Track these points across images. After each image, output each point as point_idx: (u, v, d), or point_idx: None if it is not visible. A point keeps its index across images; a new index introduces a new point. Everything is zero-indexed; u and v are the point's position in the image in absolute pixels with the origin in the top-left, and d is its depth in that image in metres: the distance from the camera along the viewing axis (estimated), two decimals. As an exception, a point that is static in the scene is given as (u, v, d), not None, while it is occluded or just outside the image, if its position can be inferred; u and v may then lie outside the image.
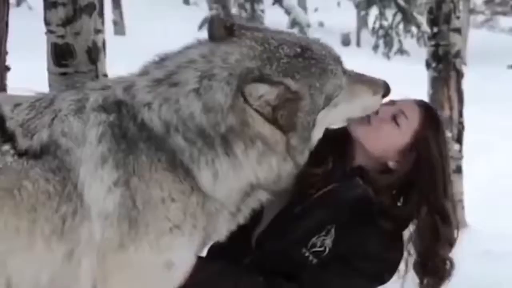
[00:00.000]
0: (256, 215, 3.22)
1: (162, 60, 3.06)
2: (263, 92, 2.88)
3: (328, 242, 3.32)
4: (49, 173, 2.83)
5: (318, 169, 3.32)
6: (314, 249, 3.34)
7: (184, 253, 2.97)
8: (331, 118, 3.14)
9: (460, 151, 8.98)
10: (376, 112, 3.31)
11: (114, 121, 2.90)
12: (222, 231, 3.10)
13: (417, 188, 3.36)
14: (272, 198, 3.14)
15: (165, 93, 2.93)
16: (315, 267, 3.32)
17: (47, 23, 4.99)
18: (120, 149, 2.86)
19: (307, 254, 3.34)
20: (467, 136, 9.15)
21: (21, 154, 2.84)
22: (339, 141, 3.35)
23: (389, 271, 3.39)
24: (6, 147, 2.84)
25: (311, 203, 3.38)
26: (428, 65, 9.11)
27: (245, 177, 2.97)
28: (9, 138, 2.86)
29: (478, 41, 33.13)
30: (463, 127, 9.01)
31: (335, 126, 3.21)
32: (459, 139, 8.97)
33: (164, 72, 2.99)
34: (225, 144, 2.90)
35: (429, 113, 3.46)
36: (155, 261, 2.90)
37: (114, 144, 2.86)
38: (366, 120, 3.33)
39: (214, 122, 2.89)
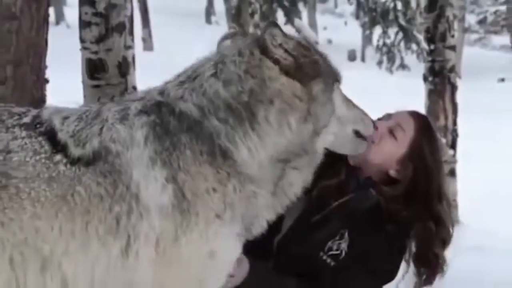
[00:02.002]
0: (276, 224, 3.19)
1: (182, 72, 3.08)
2: (281, 40, 2.93)
3: (344, 245, 3.34)
4: (100, 177, 2.79)
5: (332, 181, 3.33)
6: (330, 253, 3.35)
7: (225, 242, 2.93)
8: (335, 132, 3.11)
9: (454, 156, 8.99)
10: (376, 128, 3.25)
11: (155, 120, 2.89)
12: (263, 220, 3.06)
13: (416, 195, 3.36)
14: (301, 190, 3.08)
15: (191, 85, 2.96)
16: (333, 269, 3.34)
17: (82, 40, 5.03)
18: (165, 148, 2.84)
19: (324, 257, 3.35)
20: (461, 143, 9.15)
21: (74, 162, 2.80)
22: (342, 156, 3.32)
23: (397, 268, 3.41)
24: (59, 157, 2.80)
25: (329, 212, 3.39)
26: (425, 79, 9.12)
27: (271, 143, 2.93)
28: (62, 148, 2.82)
29: (471, 57, 33.04)
30: (457, 135, 9.02)
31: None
32: (453, 146, 8.98)
33: (185, 76, 3.02)
34: (250, 114, 2.91)
35: (422, 122, 3.47)
36: (201, 252, 2.87)
37: (158, 144, 2.84)
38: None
39: (236, 92, 2.91)
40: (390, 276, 3.41)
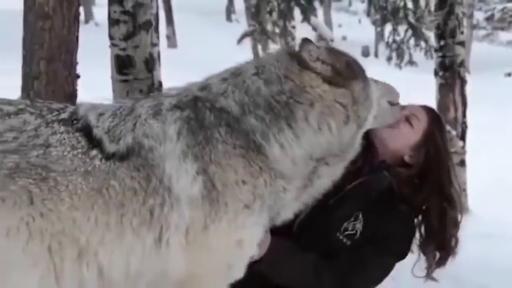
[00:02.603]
0: None
1: (223, 71, 3.12)
2: (317, 53, 2.99)
3: (359, 226, 3.40)
4: (134, 172, 2.81)
5: (351, 167, 3.31)
6: (346, 233, 3.40)
7: (253, 232, 2.95)
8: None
9: (464, 147, 8.94)
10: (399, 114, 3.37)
11: (189, 115, 2.90)
12: (289, 210, 3.10)
13: (428, 179, 3.44)
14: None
15: (234, 81, 3.00)
16: (350, 248, 3.38)
17: (111, 37, 5.03)
18: (198, 142, 2.86)
19: (341, 237, 3.40)
20: (470, 134, 9.10)
21: (109, 157, 2.82)
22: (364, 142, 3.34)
23: (408, 247, 3.47)
24: (94, 152, 2.82)
25: (344, 195, 3.44)
26: (436, 73, 9.08)
27: (308, 142, 2.96)
28: (97, 144, 2.84)
29: (480, 52, 32.86)
30: (466, 126, 8.98)
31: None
32: (463, 137, 8.94)
33: (228, 73, 3.07)
34: (288, 112, 2.94)
35: (434, 115, 3.57)
36: (229, 240, 2.89)
37: (191, 138, 2.86)
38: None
39: (276, 91, 2.95)
40: (403, 254, 3.45)
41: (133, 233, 2.79)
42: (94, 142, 2.84)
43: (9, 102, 2.97)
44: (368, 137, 3.37)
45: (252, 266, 3.13)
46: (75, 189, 2.76)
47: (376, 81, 3.24)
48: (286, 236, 3.38)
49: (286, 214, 3.10)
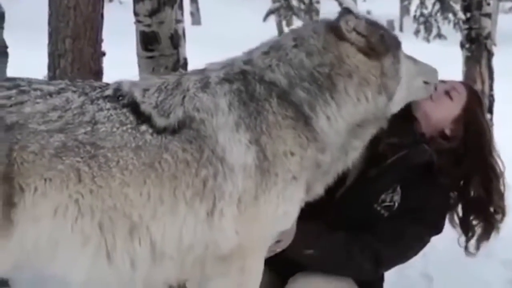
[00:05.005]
0: (341, 179, 3.28)
1: (261, 45, 3.17)
2: (355, 24, 3.03)
3: (397, 198, 3.43)
4: (186, 144, 2.84)
5: (395, 139, 3.38)
6: (384, 204, 3.43)
7: (296, 203, 3.01)
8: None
9: (491, 119, 8.87)
10: (435, 89, 3.39)
11: (239, 87, 2.95)
12: (321, 186, 3.14)
13: (470, 151, 3.49)
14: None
15: (276, 55, 3.04)
16: (387, 219, 3.42)
17: (135, 14, 5.03)
18: (249, 113, 2.90)
19: (378, 208, 3.43)
20: (497, 107, 9.02)
21: (160, 131, 2.84)
22: (405, 116, 3.39)
23: (444, 221, 3.51)
24: (144, 127, 2.84)
25: (385, 167, 3.46)
26: (462, 46, 8.99)
27: (348, 112, 3.02)
28: (146, 119, 2.86)
29: (506, 24, 32.49)
30: (493, 99, 8.91)
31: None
32: (490, 109, 8.86)
33: (266, 47, 3.11)
34: (330, 84, 2.99)
35: (472, 90, 3.63)
36: (277, 212, 2.93)
37: (242, 110, 2.90)
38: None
39: (318, 63, 3.00)
40: (439, 227, 3.49)
41: (186, 205, 2.82)
42: (142, 118, 2.87)
43: (48, 82, 3.00)
44: (411, 111, 3.42)
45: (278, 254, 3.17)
46: (126, 165, 2.79)
47: (415, 60, 3.29)
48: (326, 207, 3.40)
49: (317, 189, 3.13)
